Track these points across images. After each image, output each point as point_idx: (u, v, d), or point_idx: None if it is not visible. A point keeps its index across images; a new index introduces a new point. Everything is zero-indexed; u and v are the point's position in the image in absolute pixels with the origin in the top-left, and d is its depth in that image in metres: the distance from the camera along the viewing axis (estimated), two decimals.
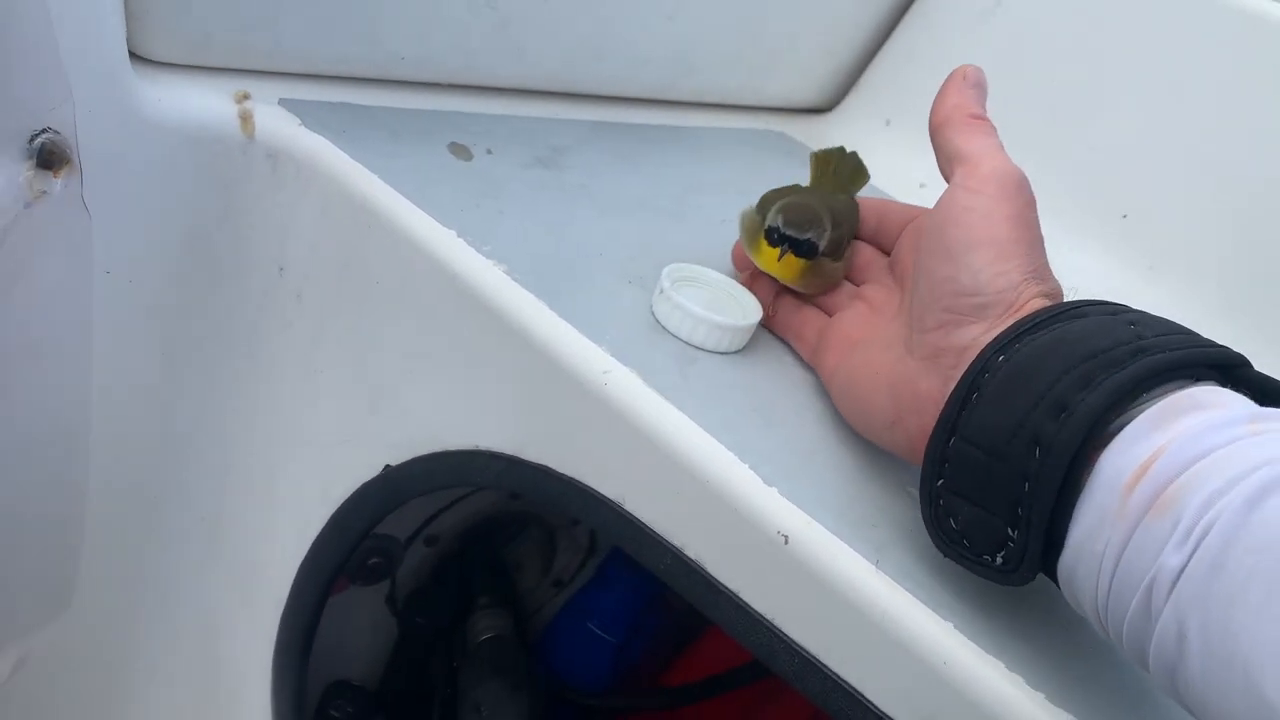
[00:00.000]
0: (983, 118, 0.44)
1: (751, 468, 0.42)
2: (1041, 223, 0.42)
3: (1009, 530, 0.36)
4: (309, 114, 0.54)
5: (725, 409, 0.45)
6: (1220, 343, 0.37)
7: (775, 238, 0.49)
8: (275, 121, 0.53)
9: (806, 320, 0.51)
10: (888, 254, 0.52)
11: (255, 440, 0.60)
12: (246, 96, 0.53)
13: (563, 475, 0.47)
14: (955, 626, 0.38)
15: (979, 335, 0.39)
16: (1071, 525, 0.35)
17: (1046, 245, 0.42)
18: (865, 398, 0.44)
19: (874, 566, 0.40)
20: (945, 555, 0.39)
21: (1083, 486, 0.34)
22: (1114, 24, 0.74)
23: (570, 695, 0.78)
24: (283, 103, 0.54)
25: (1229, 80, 0.68)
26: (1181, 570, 0.30)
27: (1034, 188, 0.42)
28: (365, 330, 0.54)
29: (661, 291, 0.49)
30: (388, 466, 0.54)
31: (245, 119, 0.52)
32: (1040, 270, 0.41)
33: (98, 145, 0.47)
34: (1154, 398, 0.35)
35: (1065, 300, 0.41)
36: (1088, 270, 0.72)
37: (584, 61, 0.68)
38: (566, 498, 0.47)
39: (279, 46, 0.55)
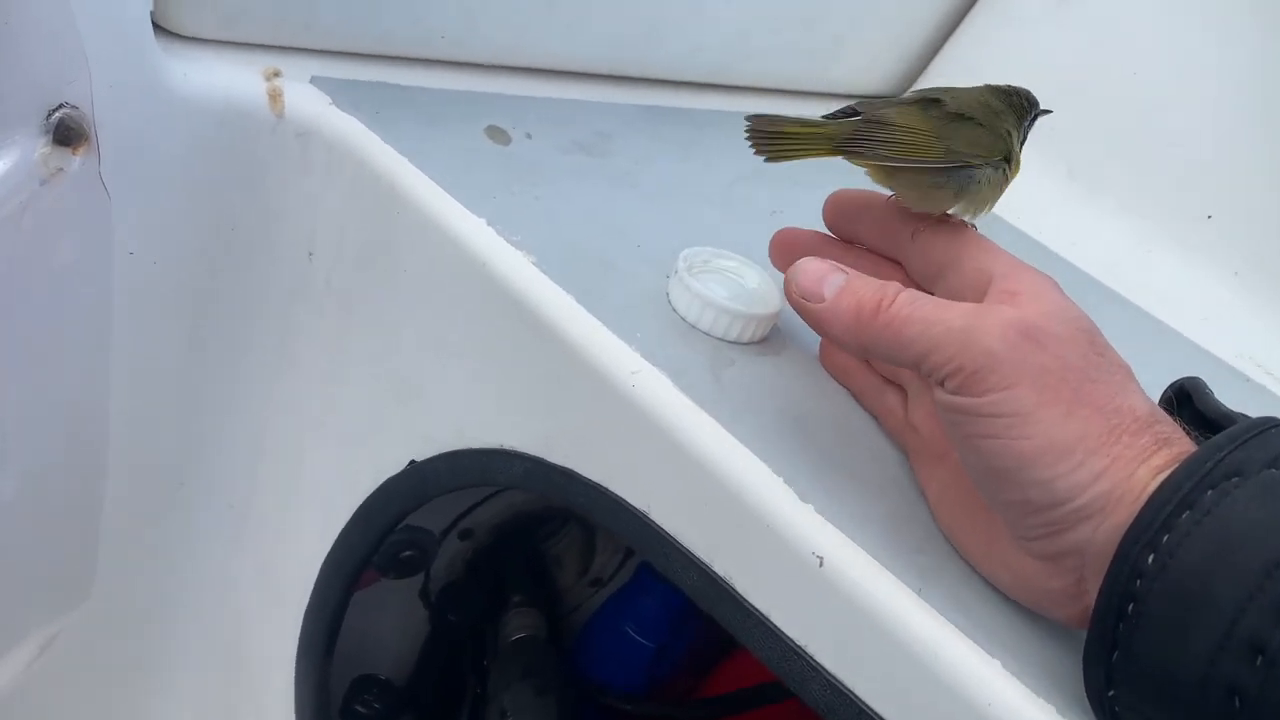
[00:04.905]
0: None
1: (786, 481, 0.39)
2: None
3: None
4: (341, 93, 0.52)
5: (761, 416, 0.42)
6: None
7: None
8: (306, 100, 0.51)
9: (891, 408, 0.44)
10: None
11: (282, 429, 0.58)
12: (277, 74, 0.51)
13: (588, 480, 0.44)
14: (1003, 665, 0.35)
15: (1091, 534, 0.34)
16: None
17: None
18: (989, 573, 0.39)
19: (916, 594, 0.36)
20: None
21: None
22: (1199, 14, 0.69)
23: (603, 699, 0.75)
24: (315, 81, 0.52)
25: None
26: None
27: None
28: (392, 319, 0.52)
29: (675, 274, 0.46)
30: (412, 462, 0.52)
31: (275, 97, 0.50)
32: (1127, 420, 0.34)
33: (119, 121, 0.45)
34: None
35: (1177, 428, 0.35)
36: (1170, 274, 0.67)
37: (636, 43, 0.65)
38: (591, 504, 0.44)
39: (313, 22, 0.53)
